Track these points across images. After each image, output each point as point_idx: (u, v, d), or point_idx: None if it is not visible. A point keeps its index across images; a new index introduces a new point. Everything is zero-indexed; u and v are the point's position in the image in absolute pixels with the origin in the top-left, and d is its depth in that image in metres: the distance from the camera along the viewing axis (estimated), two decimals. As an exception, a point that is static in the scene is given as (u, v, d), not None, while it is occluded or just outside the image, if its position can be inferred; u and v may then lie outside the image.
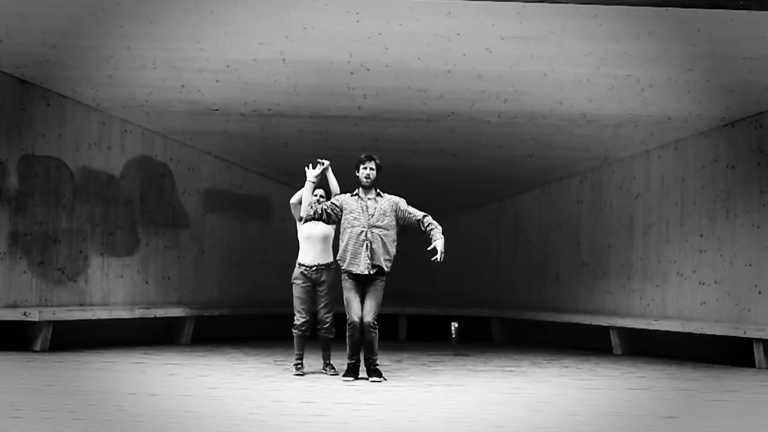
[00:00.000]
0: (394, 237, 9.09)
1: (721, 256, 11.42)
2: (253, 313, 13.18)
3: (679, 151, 12.01)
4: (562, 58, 10.03)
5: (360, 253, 8.93)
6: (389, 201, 9.09)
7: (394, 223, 9.07)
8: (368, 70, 10.41)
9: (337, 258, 9.09)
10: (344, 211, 9.04)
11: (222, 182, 13.22)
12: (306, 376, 9.14)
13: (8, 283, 10.80)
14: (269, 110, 11.50)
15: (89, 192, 11.61)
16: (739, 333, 10.60)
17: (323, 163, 9.20)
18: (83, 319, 10.99)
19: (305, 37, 9.76)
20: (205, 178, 12.99)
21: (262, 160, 13.28)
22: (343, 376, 9.03)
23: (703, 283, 11.61)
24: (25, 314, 10.38)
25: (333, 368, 9.40)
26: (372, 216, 8.98)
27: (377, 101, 11.15)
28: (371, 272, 8.93)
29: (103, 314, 11.16)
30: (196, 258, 12.88)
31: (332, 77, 10.61)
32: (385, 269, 9.00)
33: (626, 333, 12.09)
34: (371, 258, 8.93)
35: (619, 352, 12.04)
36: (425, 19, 9.36)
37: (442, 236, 8.95)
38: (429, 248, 8.93)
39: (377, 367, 9.01)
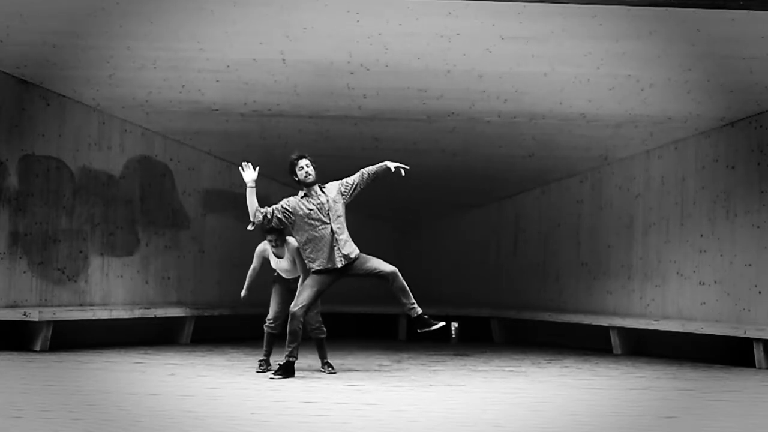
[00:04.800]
0: (344, 216, 9.17)
1: (721, 256, 11.42)
2: (253, 313, 13.14)
3: (679, 151, 12.00)
4: (562, 58, 10.03)
5: (332, 251, 8.98)
6: (333, 188, 9.16)
7: (342, 205, 9.13)
8: (368, 70, 10.41)
9: (307, 262, 9.08)
10: (297, 216, 9.01)
11: (222, 182, 13.21)
12: (306, 377, 9.13)
13: (8, 283, 10.80)
14: (269, 110, 11.49)
15: (89, 192, 11.61)
16: (739, 333, 10.60)
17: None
18: (83, 319, 10.99)
19: (305, 37, 9.75)
20: (205, 178, 12.99)
21: (262, 160, 13.22)
22: (274, 373, 8.94)
23: (703, 283, 11.60)
24: (25, 314, 10.38)
25: (331, 367, 9.43)
26: (329, 210, 9.01)
27: (377, 101, 11.14)
28: (345, 263, 8.99)
29: (103, 314, 11.16)
30: (195, 258, 12.87)
31: (332, 77, 10.61)
32: (355, 254, 9.05)
33: (626, 333, 12.08)
34: (342, 249, 8.97)
35: (619, 352, 12.04)
36: (425, 19, 9.36)
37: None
38: (392, 170, 9.07)
39: (423, 315, 9.09)
